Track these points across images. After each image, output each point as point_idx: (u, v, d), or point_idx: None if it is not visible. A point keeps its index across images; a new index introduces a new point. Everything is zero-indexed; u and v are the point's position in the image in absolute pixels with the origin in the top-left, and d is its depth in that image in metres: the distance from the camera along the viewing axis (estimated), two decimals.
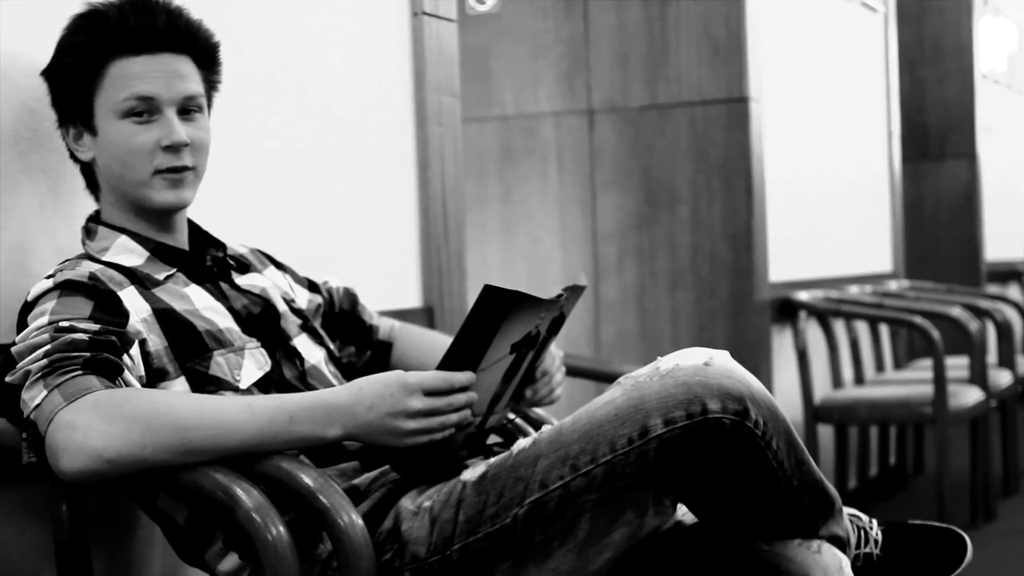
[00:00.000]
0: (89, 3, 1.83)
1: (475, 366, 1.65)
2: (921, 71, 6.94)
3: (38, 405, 1.57)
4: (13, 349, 1.65)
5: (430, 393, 1.62)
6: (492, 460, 1.67)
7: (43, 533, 1.85)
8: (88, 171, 1.89)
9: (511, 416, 2.05)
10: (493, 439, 1.94)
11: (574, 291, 1.83)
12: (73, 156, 1.88)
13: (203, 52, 1.88)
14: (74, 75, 1.81)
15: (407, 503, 1.68)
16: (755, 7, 4.22)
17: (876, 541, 1.79)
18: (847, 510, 1.81)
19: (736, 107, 4.21)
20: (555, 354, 2.05)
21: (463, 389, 1.64)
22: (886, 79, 5.64)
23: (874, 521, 1.82)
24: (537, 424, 2.08)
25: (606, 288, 4.41)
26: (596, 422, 1.60)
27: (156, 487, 1.72)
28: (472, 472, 1.66)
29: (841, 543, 1.74)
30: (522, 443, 1.65)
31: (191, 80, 1.84)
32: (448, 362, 1.65)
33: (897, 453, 5.37)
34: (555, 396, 2.04)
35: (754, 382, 1.61)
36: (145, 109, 1.80)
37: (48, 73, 1.85)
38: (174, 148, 1.81)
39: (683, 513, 1.78)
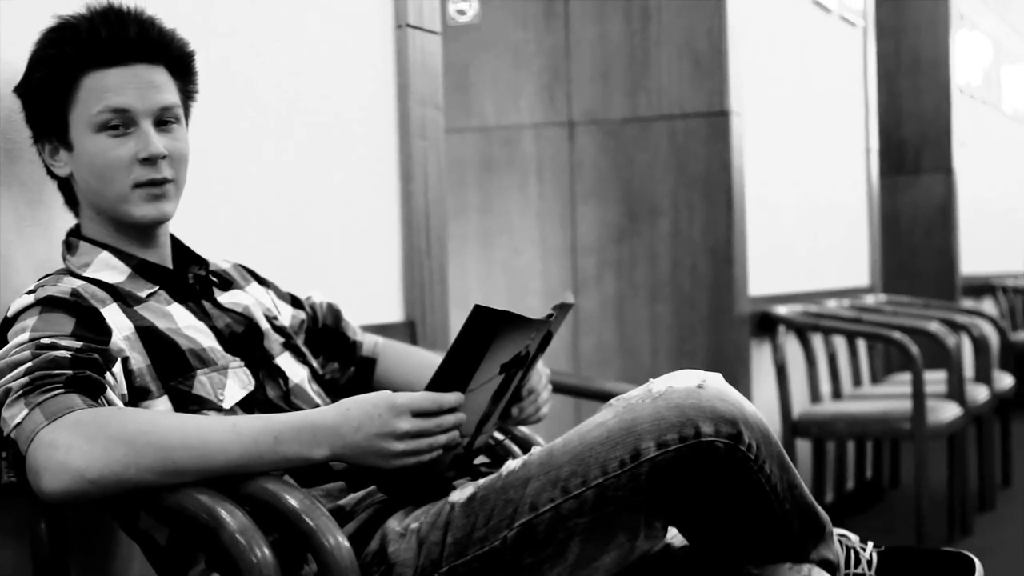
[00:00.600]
0: (59, 16, 1.80)
1: (464, 387, 1.63)
2: (898, 85, 6.96)
3: (19, 423, 1.54)
4: None
5: (418, 414, 1.60)
6: (481, 481, 1.64)
7: (21, 553, 1.82)
8: (66, 187, 1.85)
9: (499, 436, 2.03)
10: (479, 459, 1.92)
11: (562, 309, 1.81)
12: (50, 172, 1.84)
13: (177, 61, 1.85)
14: (47, 90, 1.78)
15: (394, 524, 1.66)
16: (736, 20, 4.21)
17: (869, 563, 1.77)
18: (836, 531, 1.79)
19: (717, 120, 4.20)
20: (542, 372, 2.03)
21: (452, 410, 1.62)
22: (864, 93, 5.65)
23: (869, 543, 1.80)
24: (524, 444, 2.06)
25: (585, 301, 4.39)
26: (587, 444, 1.58)
27: (138, 507, 1.69)
28: (460, 494, 1.64)
29: (832, 567, 1.72)
30: (512, 464, 1.63)
31: (166, 90, 1.81)
32: (437, 382, 1.63)
33: (874, 467, 5.37)
34: (542, 414, 2.01)
35: (747, 405, 1.60)
36: (120, 122, 1.76)
37: (21, 89, 1.81)
38: (151, 160, 1.77)
39: (672, 536, 1.76)
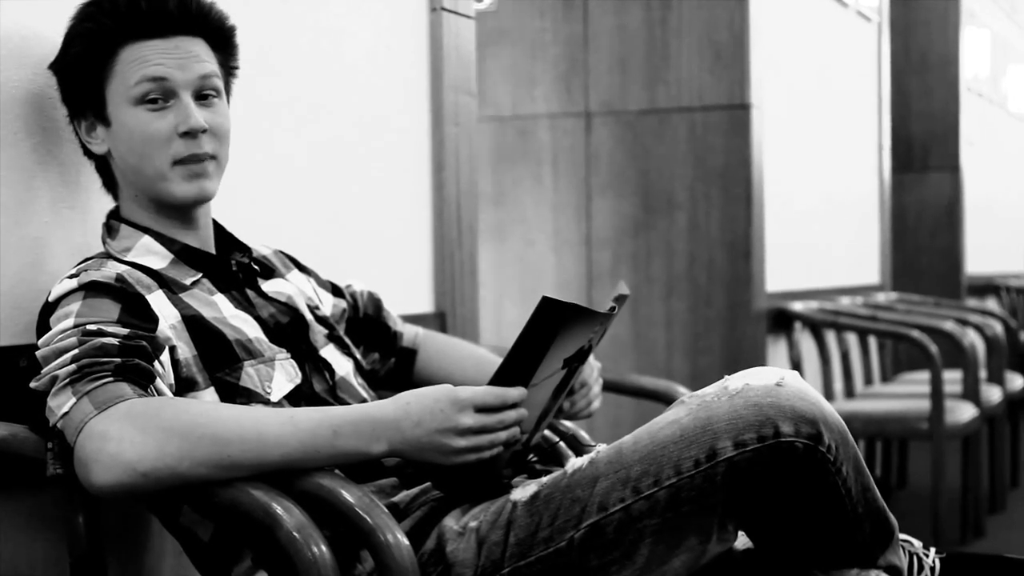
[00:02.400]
0: None
1: (527, 381, 1.57)
2: (906, 82, 6.92)
3: (66, 413, 1.48)
4: (38, 353, 1.56)
5: (481, 409, 1.54)
6: (544, 480, 1.58)
7: (56, 546, 1.75)
8: (104, 167, 1.79)
9: (554, 439, 1.96)
10: (531, 457, 1.86)
11: (620, 300, 1.76)
12: (87, 152, 1.78)
13: (217, 33, 1.78)
14: (84, 64, 1.71)
15: (451, 523, 1.60)
16: (758, 13, 4.16)
17: (932, 569, 1.72)
18: (900, 536, 1.74)
19: (737, 113, 4.15)
20: (593, 365, 1.97)
21: (514, 406, 1.56)
22: (878, 89, 5.61)
23: (932, 549, 1.74)
24: (579, 449, 1.99)
25: (599, 295, 4.33)
26: (660, 442, 1.52)
27: (184, 502, 1.63)
28: (522, 492, 1.58)
29: (897, 573, 1.67)
30: (578, 462, 1.57)
31: (206, 59, 1.74)
32: (500, 376, 1.57)
33: (883, 466, 5.33)
34: (593, 408, 1.96)
35: (826, 405, 1.54)
36: (160, 94, 1.70)
37: (56, 65, 1.75)
38: (192, 134, 1.71)
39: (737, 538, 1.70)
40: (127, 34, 1.70)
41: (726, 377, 1.58)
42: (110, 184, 1.80)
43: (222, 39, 1.80)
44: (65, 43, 1.74)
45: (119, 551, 1.87)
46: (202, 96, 1.74)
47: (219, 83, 1.77)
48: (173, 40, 1.72)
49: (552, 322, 1.53)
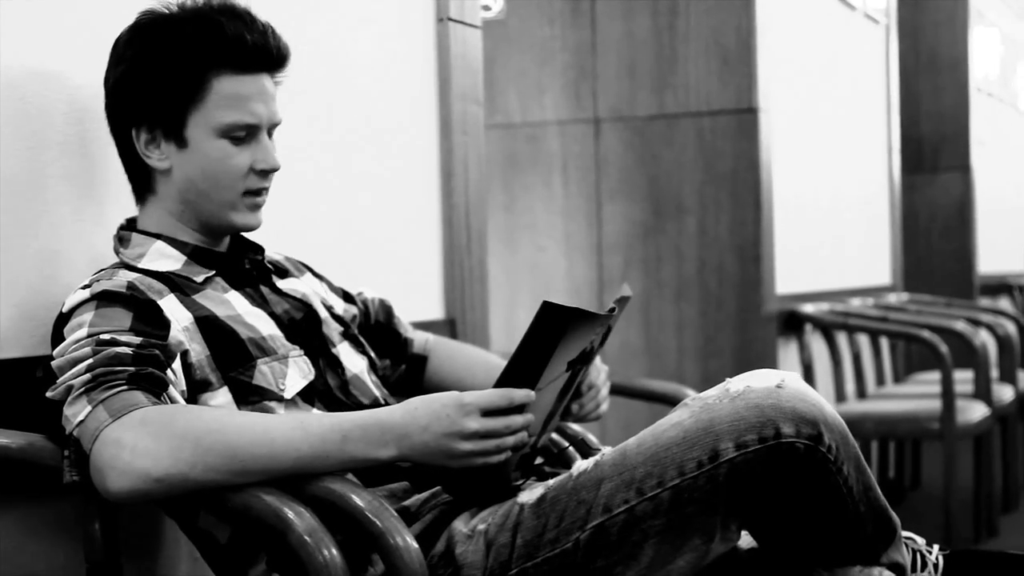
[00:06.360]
0: (180, 5, 1.75)
1: (533, 385, 1.59)
2: (916, 83, 6.93)
3: (82, 421, 1.51)
4: (53, 363, 1.59)
5: (488, 412, 1.57)
6: (551, 482, 1.61)
7: (74, 552, 1.79)
8: (145, 175, 1.79)
9: (564, 444, 1.99)
10: (537, 460, 1.88)
11: (622, 302, 1.79)
12: (130, 157, 1.78)
13: (281, 74, 1.83)
14: (171, 83, 1.72)
15: (460, 526, 1.62)
16: (765, 17, 4.18)
17: (935, 566, 1.74)
18: (903, 533, 1.76)
19: (745, 118, 4.17)
20: (600, 367, 1.99)
21: (520, 408, 1.59)
22: (887, 91, 5.62)
23: (935, 546, 1.77)
24: (587, 453, 2.02)
25: (610, 299, 4.34)
26: (663, 444, 1.55)
27: (200, 507, 1.66)
28: (529, 494, 1.61)
29: (900, 570, 1.69)
30: (583, 465, 1.60)
31: (277, 101, 1.80)
32: (505, 381, 1.59)
33: (896, 467, 5.34)
34: (602, 411, 1.99)
35: (826, 406, 1.57)
36: (246, 132, 1.75)
37: (131, 70, 1.73)
38: (266, 172, 1.78)
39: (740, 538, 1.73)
40: (224, 65, 1.73)
41: (728, 380, 1.61)
42: (144, 191, 1.80)
43: (279, 78, 1.84)
44: (152, 51, 1.72)
45: (135, 557, 1.90)
46: (269, 132, 1.80)
47: None
48: (261, 79, 1.77)
49: (554, 327, 1.55)
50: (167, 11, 1.75)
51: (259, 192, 1.79)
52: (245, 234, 1.89)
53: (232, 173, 1.75)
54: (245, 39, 1.72)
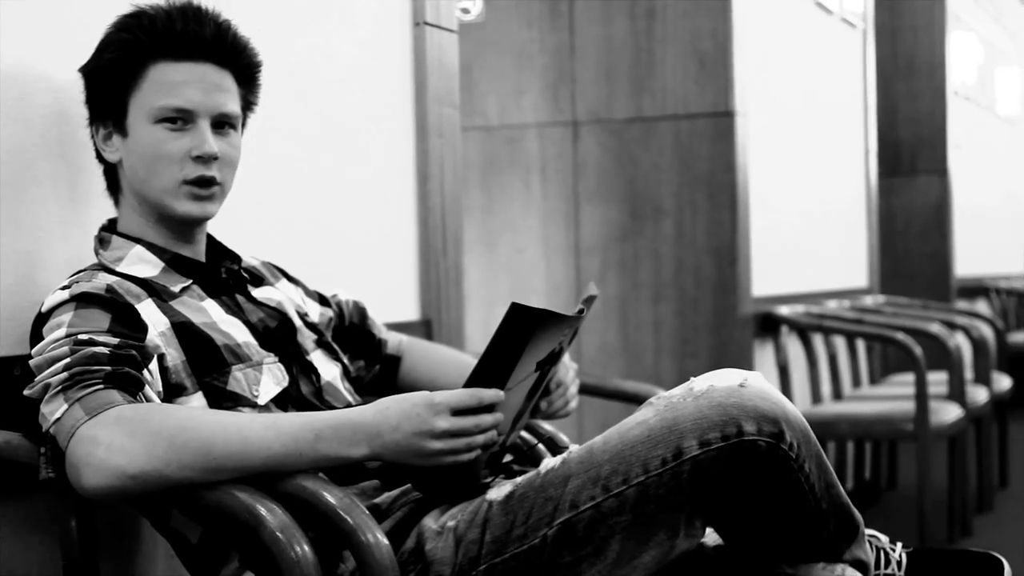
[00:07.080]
0: (135, 4, 1.80)
1: (502, 385, 1.62)
2: (894, 87, 6.98)
3: (58, 419, 1.54)
4: (31, 362, 1.61)
5: (458, 411, 1.60)
6: (519, 480, 1.64)
7: (50, 549, 1.81)
8: (111, 173, 1.85)
9: (532, 441, 2.02)
10: (507, 457, 1.91)
11: (589, 302, 1.82)
12: (99, 156, 1.84)
13: (245, 70, 1.86)
14: (113, 72, 1.77)
15: (430, 523, 1.65)
16: (741, 20, 4.22)
17: (899, 563, 1.78)
18: (867, 531, 1.80)
19: (721, 121, 4.21)
20: (569, 365, 2.02)
21: (490, 407, 1.62)
22: (864, 95, 5.67)
23: (899, 544, 1.80)
24: (557, 451, 2.05)
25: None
26: (628, 442, 1.58)
27: (174, 505, 1.68)
28: (498, 491, 1.64)
29: (864, 567, 1.72)
30: (551, 462, 1.63)
31: (230, 98, 1.82)
32: (475, 381, 1.62)
33: (872, 468, 5.38)
34: (570, 408, 2.01)
35: (788, 404, 1.60)
36: (180, 117, 1.77)
37: (86, 69, 1.81)
38: (204, 159, 1.78)
39: (706, 534, 1.76)
40: (159, 52, 1.76)
41: (692, 379, 1.64)
42: (114, 189, 1.85)
43: (248, 76, 1.87)
44: (99, 48, 1.79)
45: (112, 554, 1.92)
46: (218, 124, 1.81)
47: (238, 120, 1.84)
48: (202, 67, 1.79)
49: (523, 328, 1.58)
50: (130, 11, 1.80)
51: (201, 182, 1.79)
52: (222, 241, 1.92)
53: (166, 158, 1.77)
54: (175, 26, 1.76)
